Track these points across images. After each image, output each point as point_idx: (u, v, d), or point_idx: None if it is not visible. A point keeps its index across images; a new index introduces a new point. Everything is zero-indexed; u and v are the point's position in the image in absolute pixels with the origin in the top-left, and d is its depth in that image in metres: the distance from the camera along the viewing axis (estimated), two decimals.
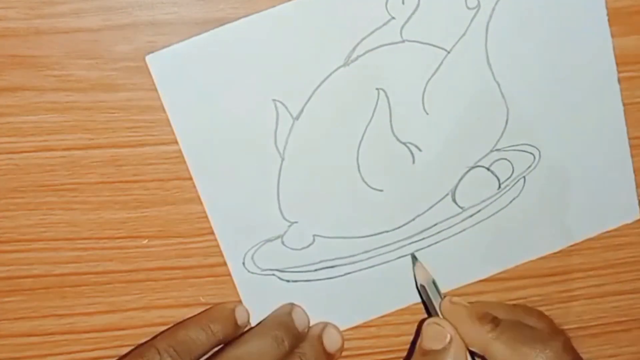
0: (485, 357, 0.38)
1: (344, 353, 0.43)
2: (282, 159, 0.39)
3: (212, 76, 0.37)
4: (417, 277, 0.42)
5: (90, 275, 0.41)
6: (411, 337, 0.44)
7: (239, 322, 0.41)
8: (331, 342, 0.41)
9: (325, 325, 0.42)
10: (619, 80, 0.40)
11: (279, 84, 0.38)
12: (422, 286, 0.41)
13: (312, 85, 0.38)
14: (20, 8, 0.36)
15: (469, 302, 0.40)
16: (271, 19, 0.37)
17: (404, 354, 0.45)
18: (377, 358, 0.45)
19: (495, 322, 0.38)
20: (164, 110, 0.38)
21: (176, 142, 0.39)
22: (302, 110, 0.38)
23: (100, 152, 0.39)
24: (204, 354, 0.39)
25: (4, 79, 0.37)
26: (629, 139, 0.42)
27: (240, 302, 0.42)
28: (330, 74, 0.38)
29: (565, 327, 0.44)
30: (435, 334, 0.39)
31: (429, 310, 0.41)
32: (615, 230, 0.44)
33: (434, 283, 0.41)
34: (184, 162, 0.39)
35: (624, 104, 0.41)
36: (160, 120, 0.39)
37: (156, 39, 0.37)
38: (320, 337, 0.41)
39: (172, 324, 0.41)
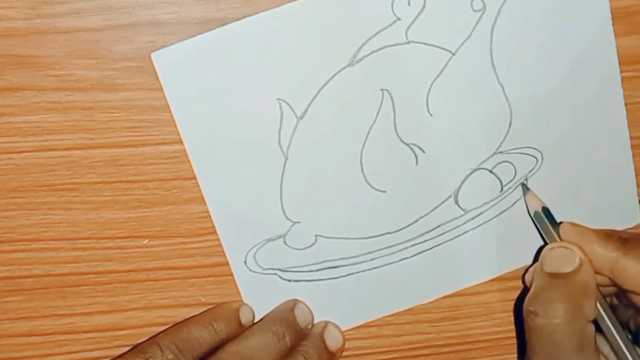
0: (613, 277, 0.37)
1: (344, 353, 0.43)
2: (286, 159, 0.39)
3: (217, 74, 0.37)
4: (529, 205, 0.41)
5: (90, 275, 0.41)
6: (411, 337, 0.44)
7: (243, 321, 0.41)
8: (333, 341, 0.41)
9: (326, 324, 0.42)
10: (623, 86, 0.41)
11: (284, 84, 0.38)
12: (537, 213, 0.40)
13: (316, 85, 0.38)
14: (20, 8, 0.36)
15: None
16: (278, 18, 0.37)
17: (405, 354, 0.45)
18: (378, 358, 0.45)
19: (622, 239, 0.37)
20: (164, 110, 0.38)
21: (177, 142, 0.39)
22: (306, 110, 0.38)
23: (101, 152, 0.39)
24: (206, 352, 0.39)
25: (4, 79, 0.37)
26: (631, 138, 0.42)
27: (244, 302, 0.41)
28: (335, 74, 0.38)
29: None
30: (563, 257, 0.37)
31: (545, 237, 0.40)
32: None
33: (548, 210, 0.40)
34: (185, 162, 0.39)
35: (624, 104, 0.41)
36: (161, 120, 0.38)
37: (156, 39, 0.37)
38: (322, 336, 0.41)
39: (172, 324, 0.41)
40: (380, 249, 0.42)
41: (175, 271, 0.41)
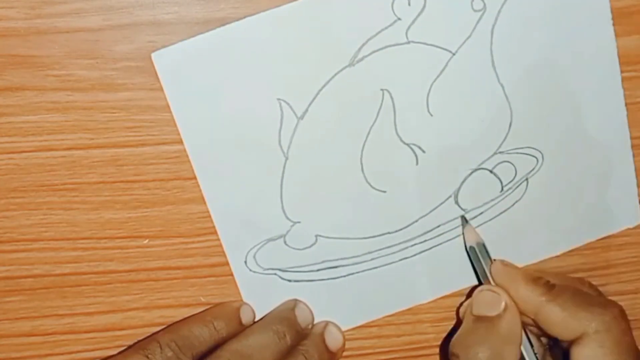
0: (537, 321, 0.38)
1: (345, 353, 0.43)
2: (286, 159, 0.39)
3: (218, 74, 0.37)
4: (466, 239, 0.41)
5: (90, 275, 0.41)
6: (412, 337, 0.44)
7: (244, 320, 0.41)
8: (333, 341, 0.41)
9: (326, 323, 0.42)
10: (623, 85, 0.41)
11: (284, 84, 0.38)
12: (472, 248, 0.41)
13: (317, 85, 0.38)
14: (20, 8, 0.36)
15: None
16: (278, 18, 0.37)
17: (405, 354, 0.45)
18: (379, 358, 0.45)
19: (549, 285, 0.38)
20: (164, 110, 0.38)
21: (177, 142, 0.39)
22: (306, 110, 0.38)
23: (101, 151, 0.39)
24: (206, 351, 0.39)
25: (5, 79, 0.37)
26: (631, 138, 0.42)
27: (244, 301, 0.42)
28: (335, 74, 0.38)
29: None
30: (489, 301, 0.38)
31: (478, 273, 0.40)
32: None
33: (484, 246, 0.40)
34: (185, 161, 0.39)
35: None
36: (161, 120, 0.38)
37: (157, 39, 0.37)
38: (322, 336, 0.41)
39: (172, 323, 0.41)
40: (380, 249, 0.42)
41: (176, 271, 0.41)
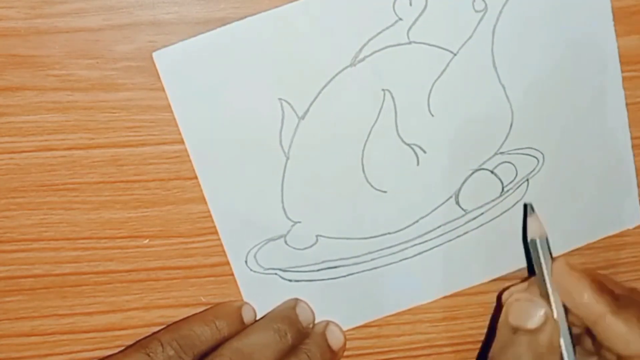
0: (595, 331, 0.37)
1: (345, 353, 0.43)
2: (287, 158, 0.39)
3: (219, 74, 0.37)
4: (529, 230, 0.39)
5: (90, 275, 0.41)
6: (412, 337, 0.44)
7: (245, 320, 0.40)
8: (335, 340, 0.41)
9: (327, 323, 0.42)
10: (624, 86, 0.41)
11: (285, 83, 0.38)
12: (533, 241, 0.39)
13: (318, 84, 0.38)
14: (20, 8, 0.36)
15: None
16: (280, 17, 0.37)
17: (405, 354, 0.45)
18: (379, 358, 0.45)
19: (614, 295, 0.37)
20: (165, 110, 0.38)
21: (177, 142, 0.39)
22: (307, 110, 0.38)
23: (101, 151, 0.39)
24: (208, 350, 0.39)
25: (5, 79, 0.37)
26: (631, 138, 0.42)
27: (246, 301, 0.42)
28: (336, 74, 0.38)
29: None
30: (528, 311, 0.37)
31: (534, 268, 0.39)
32: None
33: (547, 240, 0.39)
34: (185, 161, 0.39)
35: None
36: (161, 120, 0.38)
37: (157, 39, 0.37)
38: (324, 335, 0.41)
39: (174, 322, 0.41)
40: (381, 249, 0.42)
41: (176, 271, 0.41)
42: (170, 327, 0.40)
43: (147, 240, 0.41)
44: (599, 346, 0.39)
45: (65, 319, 0.42)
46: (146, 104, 0.38)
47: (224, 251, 0.41)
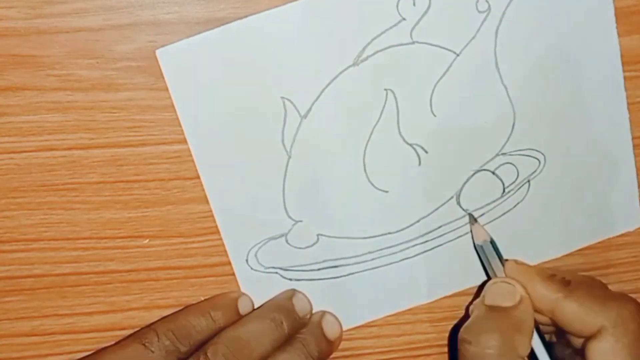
0: (554, 318, 0.38)
1: (345, 353, 0.43)
2: (289, 157, 0.39)
3: (222, 72, 0.37)
4: (474, 237, 0.41)
5: (91, 275, 0.41)
6: (412, 337, 0.44)
7: (242, 311, 0.41)
8: (331, 330, 0.41)
9: (323, 313, 0.42)
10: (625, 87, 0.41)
11: (288, 82, 0.38)
12: (480, 246, 0.41)
13: (320, 84, 0.38)
14: (21, 7, 0.36)
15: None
16: (284, 16, 0.37)
17: (405, 353, 0.45)
18: (379, 358, 0.45)
19: (564, 281, 0.38)
20: (165, 110, 0.38)
21: (177, 142, 0.39)
22: (310, 109, 0.38)
23: (101, 151, 0.39)
24: (204, 340, 0.39)
25: (5, 79, 0.37)
26: (632, 138, 0.42)
27: (243, 292, 0.41)
28: (339, 74, 0.38)
29: None
30: (504, 292, 0.38)
31: (487, 270, 0.40)
32: None
33: (493, 243, 0.40)
34: (185, 161, 0.39)
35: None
36: (162, 120, 0.38)
37: (157, 39, 0.37)
38: (320, 324, 0.41)
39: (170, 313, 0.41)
40: (382, 249, 0.42)
41: (176, 271, 0.41)
42: (166, 317, 0.40)
43: (147, 240, 0.41)
44: (563, 336, 0.40)
45: (66, 319, 0.42)
46: (146, 104, 0.38)
47: (224, 251, 0.41)
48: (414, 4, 0.37)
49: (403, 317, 0.44)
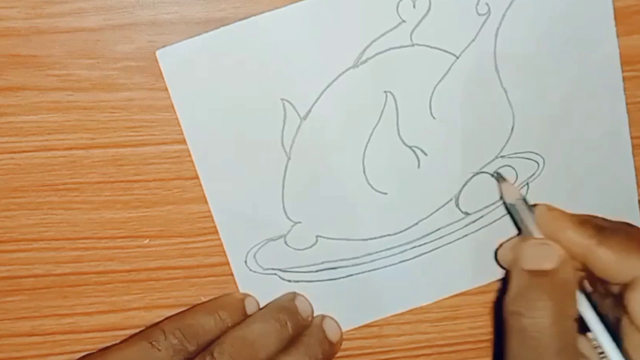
0: (587, 264, 0.36)
1: (345, 353, 0.43)
2: (289, 159, 0.39)
3: (222, 73, 0.37)
4: (505, 196, 0.40)
5: (91, 275, 0.41)
6: (412, 337, 0.44)
7: (248, 312, 0.41)
8: (332, 332, 0.41)
9: (324, 316, 0.42)
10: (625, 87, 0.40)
11: (288, 84, 0.38)
12: (512, 205, 0.39)
13: (320, 85, 0.38)
14: (21, 7, 0.36)
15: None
16: (284, 18, 0.37)
17: (406, 353, 0.45)
18: (379, 358, 0.45)
19: (598, 227, 0.36)
20: (165, 110, 0.38)
21: (177, 142, 0.39)
22: (309, 111, 0.38)
23: (101, 151, 0.39)
24: (211, 340, 0.39)
25: (5, 79, 0.37)
26: (631, 138, 0.42)
27: (249, 294, 0.42)
28: (339, 75, 0.38)
29: None
30: (542, 253, 0.36)
31: (521, 228, 0.39)
32: None
33: (524, 200, 0.39)
34: (185, 161, 0.39)
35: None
36: (162, 120, 0.38)
37: (157, 39, 0.37)
38: (322, 327, 0.41)
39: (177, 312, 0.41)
40: (380, 251, 0.42)
41: (176, 271, 0.41)
42: (173, 317, 0.40)
43: (148, 240, 0.41)
44: (595, 283, 0.38)
45: (66, 319, 0.42)
46: (146, 104, 0.38)
47: (224, 251, 0.41)
48: (414, 6, 0.37)
49: (403, 317, 0.44)
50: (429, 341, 0.45)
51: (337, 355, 0.43)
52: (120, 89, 0.38)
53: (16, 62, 0.37)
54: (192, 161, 0.39)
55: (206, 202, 0.40)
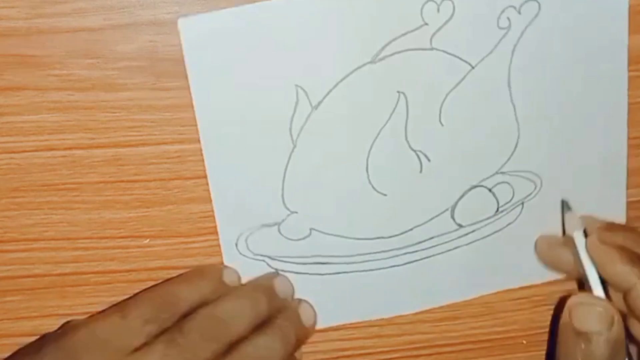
0: (627, 300, 0.37)
1: (345, 353, 0.43)
2: (294, 146, 0.39)
3: (240, 50, 0.37)
4: (566, 226, 0.41)
5: (91, 275, 0.41)
6: (413, 337, 0.44)
7: (227, 282, 0.40)
8: (307, 316, 0.41)
9: (300, 300, 0.42)
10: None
11: (305, 71, 0.37)
12: (570, 237, 0.40)
13: (336, 77, 0.38)
14: (21, 7, 0.36)
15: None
16: (310, 4, 0.36)
17: (406, 353, 0.45)
18: (380, 358, 0.45)
19: None
20: (165, 110, 0.38)
21: (178, 142, 0.39)
22: (322, 101, 0.38)
23: (102, 151, 0.39)
24: (188, 310, 0.38)
25: (5, 79, 0.37)
26: (630, 138, 0.42)
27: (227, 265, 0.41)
28: (355, 69, 0.37)
29: None
30: (598, 316, 0.36)
31: (576, 260, 0.40)
32: None
33: (584, 231, 0.40)
34: (186, 161, 0.39)
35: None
36: (162, 120, 0.38)
37: (157, 39, 0.37)
38: (297, 311, 0.41)
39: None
40: (372, 253, 0.41)
41: (176, 271, 0.41)
42: (150, 287, 0.40)
43: (148, 240, 0.41)
44: (628, 318, 0.39)
45: (66, 318, 0.41)
46: (146, 104, 0.38)
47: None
48: (438, 11, 0.37)
49: (405, 317, 0.44)
50: (429, 341, 0.45)
51: (338, 355, 0.43)
52: (121, 89, 0.38)
53: (16, 62, 0.37)
54: (192, 161, 0.39)
55: (207, 202, 0.40)
